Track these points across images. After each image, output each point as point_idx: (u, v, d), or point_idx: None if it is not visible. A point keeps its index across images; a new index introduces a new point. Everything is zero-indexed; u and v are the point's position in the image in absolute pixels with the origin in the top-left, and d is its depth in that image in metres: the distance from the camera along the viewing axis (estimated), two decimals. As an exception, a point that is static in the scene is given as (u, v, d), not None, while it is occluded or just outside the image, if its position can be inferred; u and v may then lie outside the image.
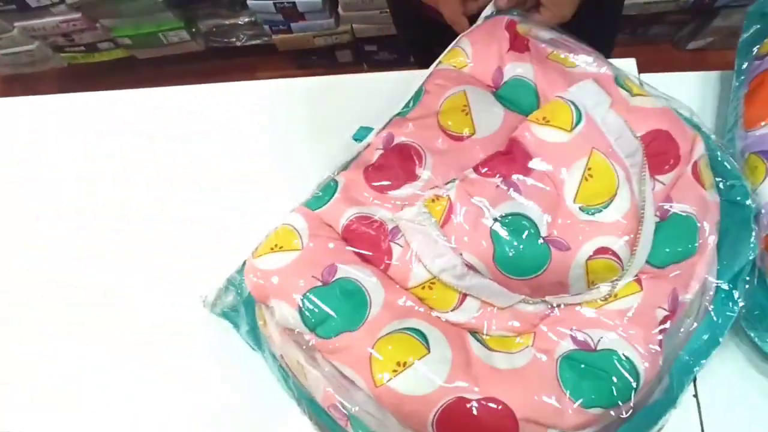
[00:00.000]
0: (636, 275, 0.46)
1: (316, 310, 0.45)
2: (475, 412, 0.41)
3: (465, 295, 0.46)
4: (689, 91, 0.61)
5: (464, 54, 0.56)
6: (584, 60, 0.52)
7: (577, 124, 0.48)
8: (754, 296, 0.47)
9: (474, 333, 0.46)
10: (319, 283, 0.46)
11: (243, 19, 1.06)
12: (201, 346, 0.55)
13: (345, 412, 0.45)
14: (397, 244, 0.49)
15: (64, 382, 0.56)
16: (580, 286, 0.45)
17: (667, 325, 0.46)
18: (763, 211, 0.47)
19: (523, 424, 0.41)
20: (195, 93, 0.73)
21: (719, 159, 0.49)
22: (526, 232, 0.45)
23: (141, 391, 0.55)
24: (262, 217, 0.51)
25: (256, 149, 0.69)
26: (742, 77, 0.56)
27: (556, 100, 0.49)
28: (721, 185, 0.49)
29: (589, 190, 0.46)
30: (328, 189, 0.52)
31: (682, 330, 0.47)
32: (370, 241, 0.49)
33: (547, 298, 0.46)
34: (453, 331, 0.45)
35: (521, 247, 0.44)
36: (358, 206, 0.50)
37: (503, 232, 0.45)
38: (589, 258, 0.44)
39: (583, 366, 0.42)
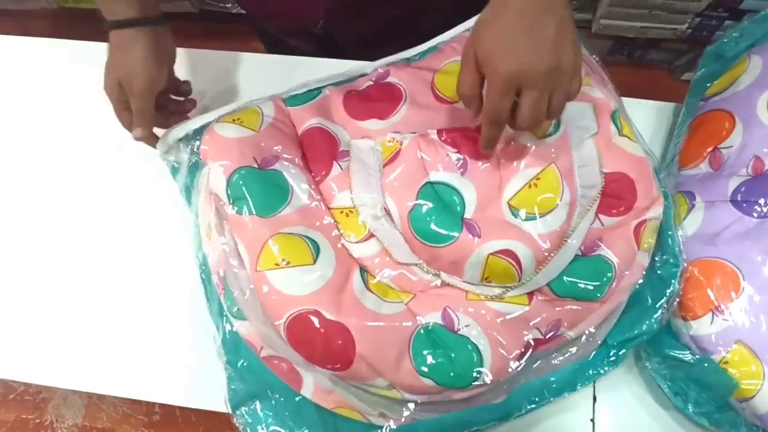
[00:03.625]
0: (531, 291, 0.47)
1: (241, 186, 0.48)
2: (322, 329, 0.43)
3: (372, 235, 0.48)
4: (646, 119, 0.59)
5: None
6: (596, 84, 0.52)
7: (549, 135, 0.48)
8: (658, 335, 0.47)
9: (363, 270, 0.48)
10: (255, 166, 0.49)
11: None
12: (202, 337, 0.53)
13: (222, 283, 0.48)
14: (340, 165, 0.51)
15: (65, 381, 0.56)
16: (474, 276, 0.46)
17: (536, 349, 0.47)
18: (681, 242, 0.48)
19: (358, 359, 0.43)
20: (188, 57, 0.67)
21: (669, 233, 0.48)
22: (450, 206, 0.46)
23: (140, 386, 0.55)
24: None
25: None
26: (688, 114, 0.56)
27: (545, 106, 0.49)
28: (657, 257, 0.48)
29: (527, 196, 0.46)
30: (309, 95, 0.54)
31: (554, 360, 0.48)
32: (318, 151, 0.51)
33: (441, 273, 0.47)
34: (346, 259, 0.47)
35: (438, 214, 0.46)
36: (325, 120, 0.53)
37: (430, 196, 0.46)
38: (492, 254, 0.45)
39: (437, 341, 0.44)
